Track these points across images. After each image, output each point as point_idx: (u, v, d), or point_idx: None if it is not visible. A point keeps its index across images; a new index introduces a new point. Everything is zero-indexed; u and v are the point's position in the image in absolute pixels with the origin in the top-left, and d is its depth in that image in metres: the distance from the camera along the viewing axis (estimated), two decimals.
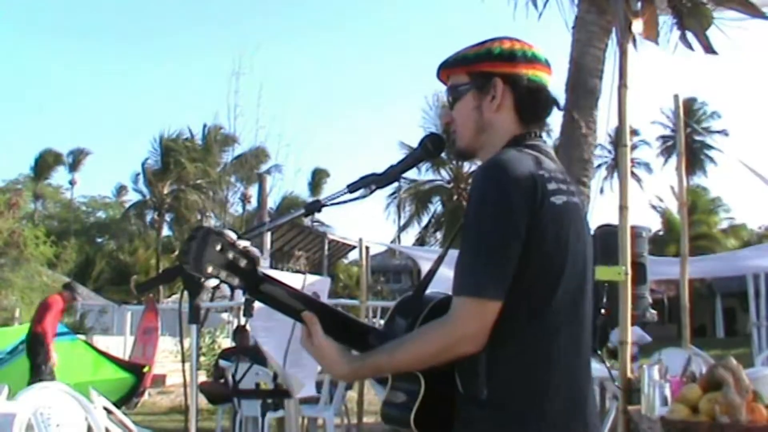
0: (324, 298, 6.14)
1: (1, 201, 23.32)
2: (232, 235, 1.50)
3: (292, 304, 1.57)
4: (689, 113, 39.08)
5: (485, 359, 1.49)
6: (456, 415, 1.57)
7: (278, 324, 4.32)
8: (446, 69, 1.74)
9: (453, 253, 1.73)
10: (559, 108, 1.74)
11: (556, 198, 1.52)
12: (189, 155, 33.60)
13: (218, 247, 1.46)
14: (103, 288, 34.87)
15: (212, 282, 1.49)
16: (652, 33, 6.43)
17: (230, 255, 1.47)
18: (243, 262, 1.49)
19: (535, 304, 1.51)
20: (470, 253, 1.49)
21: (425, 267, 10.75)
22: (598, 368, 5.19)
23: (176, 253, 35.06)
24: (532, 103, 1.67)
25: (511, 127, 1.66)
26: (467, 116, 1.69)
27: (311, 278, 6.08)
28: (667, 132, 39.41)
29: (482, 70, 1.66)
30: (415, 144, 1.76)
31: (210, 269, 1.46)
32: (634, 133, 39.26)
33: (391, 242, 31.32)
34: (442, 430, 1.57)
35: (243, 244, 1.51)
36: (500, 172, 1.50)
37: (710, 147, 40.75)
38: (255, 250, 1.52)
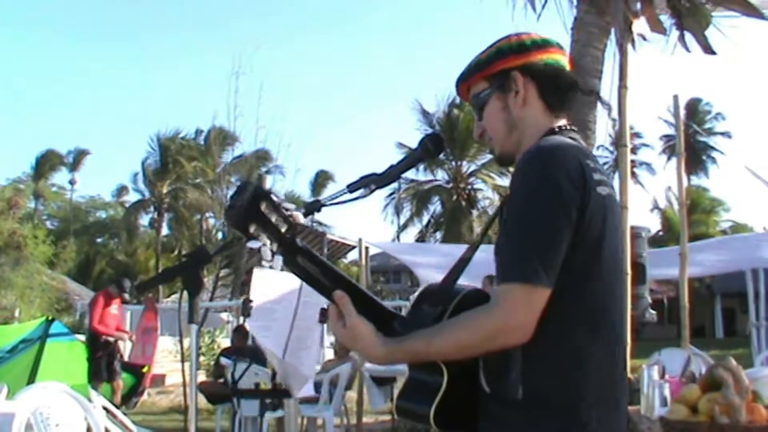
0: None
1: (2, 201, 23.34)
2: (280, 197, 1.46)
3: (324, 281, 1.51)
4: (694, 114, 39.15)
5: (521, 356, 1.44)
6: (481, 413, 1.52)
7: (276, 324, 4.32)
8: (464, 81, 1.72)
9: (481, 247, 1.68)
10: (579, 89, 1.72)
11: (601, 189, 1.50)
12: (188, 154, 33.59)
13: (263, 207, 1.41)
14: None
15: (255, 244, 1.43)
16: (658, 26, 6.41)
17: (273, 218, 1.42)
18: (283, 228, 1.44)
19: (576, 298, 1.47)
20: (520, 239, 1.45)
21: (419, 271, 10.71)
22: None
23: (176, 252, 35.15)
24: (555, 87, 1.65)
25: (541, 117, 1.65)
26: (496, 119, 1.67)
27: None
28: (671, 131, 39.42)
29: (498, 70, 1.65)
30: (413, 144, 1.76)
31: (252, 229, 1.41)
32: (637, 135, 39.30)
33: (391, 242, 31.33)
34: (462, 427, 1.53)
35: (288, 207, 1.46)
36: (550, 159, 1.47)
37: (713, 148, 40.83)
38: (299, 216, 1.47)
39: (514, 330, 1.42)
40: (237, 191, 1.43)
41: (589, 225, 1.45)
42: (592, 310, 1.49)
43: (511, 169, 1.59)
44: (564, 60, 1.68)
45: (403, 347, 1.50)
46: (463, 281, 1.64)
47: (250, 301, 4.31)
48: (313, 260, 1.51)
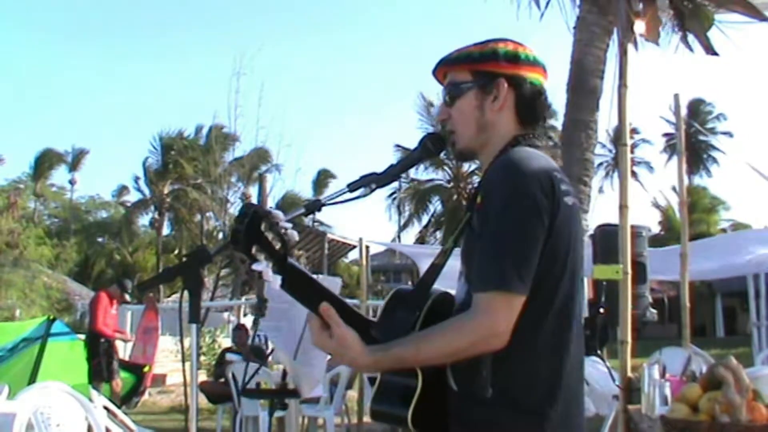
0: None
1: (1, 201, 23.35)
2: (279, 215, 1.49)
3: (311, 295, 1.55)
4: (695, 114, 39.12)
5: (491, 357, 1.49)
6: (450, 411, 1.56)
7: (288, 324, 4.32)
8: (447, 65, 1.74)
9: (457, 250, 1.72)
10: (550, 115, 1.77)
11: (567, 199, 1.56)
12: (189, 154, 33.59)
13: (262, 227, 1.46)
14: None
15: (259, 266, 1.46)
16: (653, 34, 6.44)
17: (269, 236, 1.47)
18: (277, 246, 1.48)
19: (546, 303, 1.52)
20: (497, 248, 1.49)
21: (424, 266, 10.73)
22: (599, 368, 5.20)
23: (176, 252, 35.14)
24: (532, 106, 1.69)
25: (511, 127, 1.69)
26: (469, 115, 1.69)
27: (321, 279, 6.10)
28: (672, 130, 39.44)
29: (487, 70, 1.67)
30: (411, 145, 1.76)
31: (254, 250, 1.45)
32: (634, 131, 39.27)
33: (392, 241, 31.35)
34: (437, 428, 1.56)
35: (284, 226, 1.49)
36: (523, 169, 1.52)
37: (713, 147, 40.82)
38: (293, 235, 1.50)
39: (495, 337, 1.47)
40: (240, 216, 1.47)
41: (558, 233, 1.52)
42: (559, 313, 1.55)
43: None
44: (545, 83, 1.72)
45: (390, 354, 1.52)
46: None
47: (266, 300, 4.31)
48: (303, 275, 1.54)
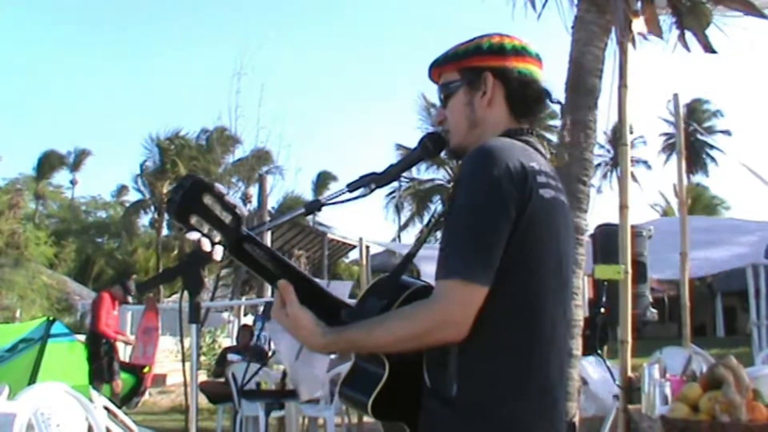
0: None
1: (2, 201, 23.35)
2: (222, 189, 1.49)
3: (270, 268, 1.54)
4: (693, 112, 39.10)
5: (457, 352, 1.46)
6: (422, 406, 1.54)
7: None
8: (437, 67, 1.74)
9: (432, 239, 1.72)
10: (551, 100, 1.73)
11: (544, 191, 1.51)
12: (188, 154, 33.59)
13: (206, 200, 1.44)
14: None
15: (194, 235, 1.45)
16: (655, 28, 6.43)
17: (216, 210, 1.46)
18: (228, 219, 1.47)
19: (514, 298, 1.47)
20: (458, 237, 1.46)
21: (424, 268, 10.73)
22: (599, 368, 5.20)
23: (176, 252, 35.12)
24: (523, 96, 1.66)
25: (503, 121, 1.67)
26: (459, 113, 1.69)
27: (334, 284, 6.14)
28: (670, 129, 39.44)
29: (472, 66, 1.66)
30: (411, 145, 1.76)
31: (193, 220, 1.44)
32: (632, 131, 39.18)
33: (392, 241, 31.33)
34: (402, 419, 1.55)
35: (232, 200, 1.49)
36: (491, 158, 1.48)
37: (712, 146, 40.81)
38: (243, 208, 1.50)
39: (450, 325, 1.43)
40: (177, 185, 1.46)
41: (528, 225, 1.47)
42: (529, 309, 1.49)
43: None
44: (539, 72, 1.69)
45: (344, 337, 1.52)
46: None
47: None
48: (261, 247, 1.53)
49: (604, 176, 39.02)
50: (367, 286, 1.68)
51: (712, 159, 40.90)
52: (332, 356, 1.63)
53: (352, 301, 1.66)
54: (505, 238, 1.44)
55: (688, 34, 6.92)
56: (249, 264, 1.53)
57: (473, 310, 1.42)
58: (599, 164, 38.40)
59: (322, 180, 42.26)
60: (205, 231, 1.45)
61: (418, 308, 1.46)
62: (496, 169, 1.46)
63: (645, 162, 41.49)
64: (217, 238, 1.47)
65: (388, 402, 1.52)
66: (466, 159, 1.54)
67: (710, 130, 40.70)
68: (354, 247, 18.58)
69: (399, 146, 32.31)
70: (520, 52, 1.66)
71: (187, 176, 1.49)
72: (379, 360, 1.52)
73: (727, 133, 41.52)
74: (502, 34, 1.69)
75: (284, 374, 5.44)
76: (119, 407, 5.45)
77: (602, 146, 36.54)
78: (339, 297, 1.61)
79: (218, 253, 1.48)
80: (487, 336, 1.45)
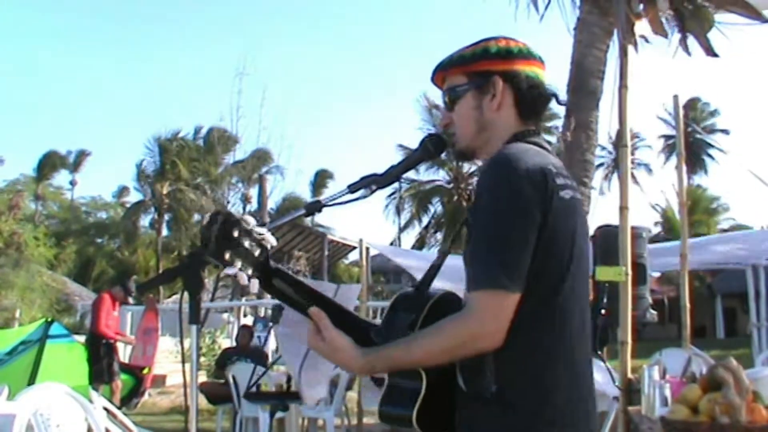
0: (351, 305, 6.13)
1: (2, 202, 23.36)
2: (251, 221, 1.50)
3: (300, 299, 1.56)
4: (692, 112, 39.11)
5: (492, 356, 1.48)
6: (459, 410, 1.56)
7: (296, 330, 4.34)
8: (442, 71, 1.74)
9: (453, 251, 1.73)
10: (558, 101, 1.75)
11: (564, 192, 1.54)
12: (187, 155, 33.59)
13: (236, 234, 1.46)
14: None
15: (231, 270, 1.47)
16: (659, 29, 6.42)
17: (246, 243, 1.47)
18: (257, 252, 1.49)
19: (544, 300, 1.50)
20: (486, 247, 1.48)
21: (417, 274, 10.73)
22: (599, 369, 5.19)
23: (176, 253, 35.11)
24: (532, 99, 1.68)
25: (511, 124, 1.68)
26: (468, 116, 1.69)
27: (343, 287, 6.14)
28: (669, 130, 39.44)
29: (480, 69, 1.67)
30: (413, 145, 1.76)
31: (227, 256, 1.45)
32: (636, 135, 39.30)
33: (391, 243, 31.31)
34: (444, 428, 1.56)
35: (260, 231, 1.50)
36: (512, 166, 1.50)
37: (711, 146, 40.80)
38: (271, 239, 1.51)
39: (485, 336, 1.46)
40: (208, 222, 1.47)
41: (553, 228, 1.49)
42: (561, 311, 1.53)
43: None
44: (544, 75, 1.71)
45: (382, 356, 1.53)
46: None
47: (282, 308, 4.33)
48: (287, 280, 1.55)
49: (605, 177, 39.00)
50: (391, 302, 1.69)
51: (712, 158, 40.93)
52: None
53: (355, 303, 1.67)
54: (532, 244, 1.47)
55: (690, 38, 6.92)
56: (279, 297, 1.56)
57: (507, 319, 1.45)
58: (601, 165, 38.41)
59: (320, 179, 42.29)
60: (239, 265, 1.47)
61: (454, 322, 1.48)
62: (517, 176, 1.48)
63: (646, 165, 41.53)
64: (250, 271, 1.49)
65: (429, 412, 1.54)
66: (485, 168, 1.56)
67: (708, 129, 40.70)
68: (354, 248, 18.57)
69: (401, 146, 32.29)
70: (526, 56, 1.68)
71: (216, 212, 1.50)
72: (415, 374, 1.54)
73: (725, 131, 41.56)
74: (506, 38, 1.69)
75: (289, 377, 5.44)
76: (119, 408, 5.45)
77: (604, 148, 36.54)
78: (348, 301, 1.63)
79: (255, 286, 1.51)
80: (521, 337, 1.48)
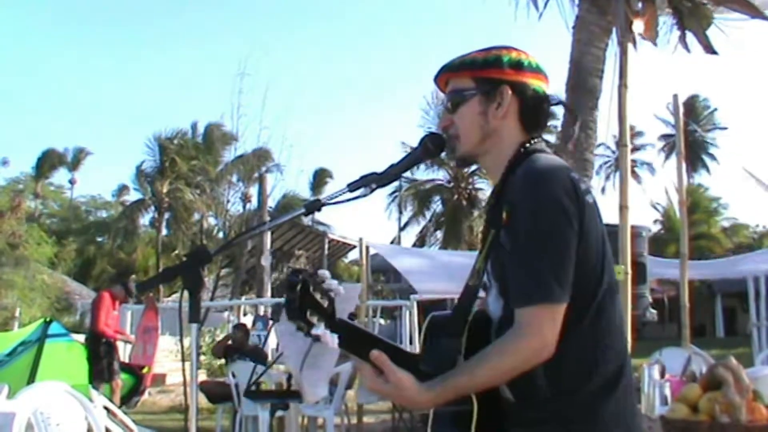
0: (352, 305, 6.13)
1: (3, 201, 23.36)
2: (325, 275, 1.53)
3: (362, 344, 1.56)
4: (692, 111, 39.14)
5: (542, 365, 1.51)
6: (512, 424, 1.57)
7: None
8: (449, 72, 1.73)
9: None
10: (555, 118, 1.78)
11: (588, 197, 1.58)
12: (187, 153, 33.58)
13: (311, 289, 1.49)
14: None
15: (319, 331, 1.50)
16: (651, 34, 6.44)
17: (318, 296, 1.50)
18: (325, 303, 1.51)
19: (587, 300, 1.54)
20: (532, 261, 1.50)
21: (412, 279, 10.68)
22: None
23: (176, 251, 35.11)
24: (537, 112, 1.70)
25: (515, 134, 1.69)
26: (472, 121, 1.69)
27: (345, 286, 6.12)
28: (669, 129, 39.44)
29: (490, 77, 1.67)
30: (414, 144, 1.75)
31: (308, 315, 1.48)
32: (639, 135, 39.30)
33: (391, 242, 31.30)
34: None
35: (330, 284, 1.53)
36: (546, 177, 1.54)
37: (711, 144, 40.83)
38: (339, 290, 1.54)
39: (543, 351, 1.49)
40: (290, 283, 1.48)
41: (587, 234, 1.53)
42: (602, 311, 1.56)
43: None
44: (548, 89, 1.73)
45: (448, 386, 1.52)
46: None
47: (283, 305, 4.31)
48: (350, 329, 1.57)
49: (608, 177, 39.02)
50: (425, 327, 1.68)
51: (712, 157, 40.93)
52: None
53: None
54: (575, 252, 1.51)
55: (689, 35, 6.92)
56: (349, 347, 1.57)
57: (559, 329, 1.49)
58: (602, 165, 38.39)
59: (320, 177, 42.27)
60: (315, 321, 1.49)
61: (512, 342, 1.50)
62: (555, 188, 1.52)
63: (649, 164, 41.53)
64: (323, 324, 1.51)
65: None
66: (520, 183, 1.57)
67: (706, 128, 40.70)
68: (354, 247, 18.58)
69: (404, 144, 32.24)
70: (535, 70, 1.70)
71: (294, 271, 1.52)
72: (463, 397, 1.54)
73: (723, 128, 41.58)
74: (518, 49, 1.71)
75: (289, 375, 5.44)
76: (119, 407, 5.45)
77: (608, 147, 36.48)
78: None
79: (335, 340, 1.53)
80: (565, 341, 1.50)
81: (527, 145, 1.67)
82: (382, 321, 21.29)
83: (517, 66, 1.67)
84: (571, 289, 1.49)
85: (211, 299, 19.29)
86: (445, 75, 1.74)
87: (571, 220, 1.50)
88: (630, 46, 4.89)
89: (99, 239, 42.17)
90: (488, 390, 1.55)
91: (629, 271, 4.05)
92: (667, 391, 3.20)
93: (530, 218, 1.51)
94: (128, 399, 9.35)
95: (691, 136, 37.62)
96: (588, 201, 1.56)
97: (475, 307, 1.64)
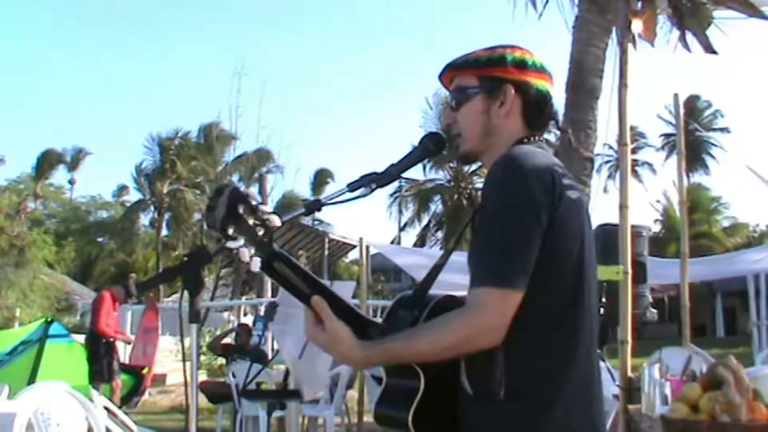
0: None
1: (4, 202, 23.37)
2: (257, 198, 1.48)
3: (301, 286, 1.52)
4: (693, 111, 39.13)
5: (503, 356, 1.48)
6: (464, 414, 1.55)
7: (295, 328, 4.33)
8: (454, 70, 1.74)
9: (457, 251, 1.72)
10: (558, 126, 1.78)
11: (571, 192, 1.56)
12: (187, 154, 33.58)
13: (241, 209, 1.44)
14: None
15: (234, 244, 1.45)
16: (649, 34, 6.44)
17: (251, 221, 1.45)
18: (261, 232, 1.46)
19: (554, 299, 1.51)
20: (493, 244, 1.50)
21: (415, 274, 10.71)
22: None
23: (176, 252, 35.13)
24: (539, 112, 1.71)
25: (517, 132, 1.69)
26: (475, 119, 1.70)
27: (337, 284, 6.13)
28: (670, 129, 39.37)
29: (494, 75, 1.68)
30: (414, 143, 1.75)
31: (231, 231, 1.43)
32: (640, 135, 39.26)
33: (391, 242, 31.29)
34: (440, 431, 1.55)
35: (265, 210, 1.47)
36: (520, 165, 1.53)
37: (712, 144, 40.79)
38: (275, 220, 1.48)
39: (488, 332, 1.46)
40: (215, 193, 1.45)
41: (561, 228, 1.51)
42: (571, 305, 1.54)
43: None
44: (552, 89, 1.73)
45: (382, 349, 1.52)
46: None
47: (277, 305, 4.32)
48: (290, 265, 1.52)
49: (610, 176, 38.97)
50: (392, 303, 1.68)
51: (712, 156, 40.91)
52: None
53: (355, 302, 1.66)
54: (538, 241, 1.48)
55: (689, 35, 6.92)
56: (279, 281, 1.52)
57: (509, 316, 1.46)
58: (602, 164, 38.34)
59: (320, 178, 42.26)
60: (241, 242, 1.45)
61: (456, 317, 1.49)
62: (526, 176, 1.50)
63: (650, 164, 41.48)
64: (252, 250, 1.46)
65: (427, 416, 1.52)
66: (494, 168, 1.57)
67: (707, 128, 40.68)
68: (354, 247, 18.56)
69: (405, 144, 32.24)
70: (539, 69, 1.70)
71: (223, 184, 1.48)
72: (413, 373, 1.52)
73: (726, 130, 41.52)
74: (522, 48, 1.72)
75: (286, 374, 5.43)
76: (119, 407, 5.46)
77: (611, 147, 36.40)
78: (345, 297, 1.60)
79: (256, 264, 1.47)
80: (531, 337, 1.49)
81: (524, 141, 1.67)
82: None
83: (521, 65, 1.68)
84: (527, 279, 1.46)
85: (212, 299, 19.28)
86: (450, 72, 1.75)
87: (537, 210, 1.48)
88: (630, 45, 4.88)
89: (99, 240, 42.16)
90: (444, 374, 1.53)
91: (629, 270, 4.05)
92: (668, 391, 3.19)
93: (496, 202, 1.52)
94: (128, 399, 9.35)
95: (692, 135, 37.60)
96: (570, 196, 1.54)
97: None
